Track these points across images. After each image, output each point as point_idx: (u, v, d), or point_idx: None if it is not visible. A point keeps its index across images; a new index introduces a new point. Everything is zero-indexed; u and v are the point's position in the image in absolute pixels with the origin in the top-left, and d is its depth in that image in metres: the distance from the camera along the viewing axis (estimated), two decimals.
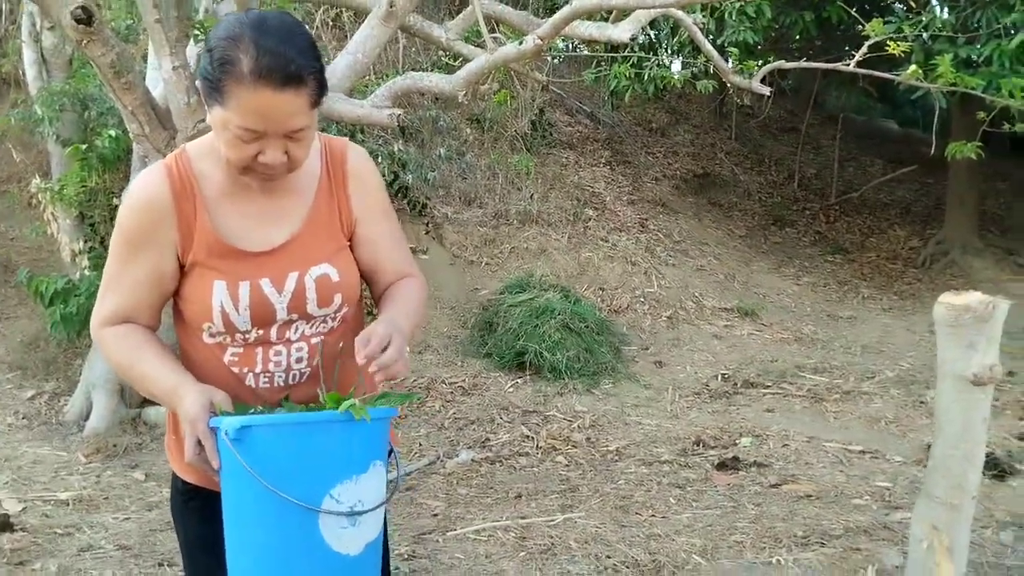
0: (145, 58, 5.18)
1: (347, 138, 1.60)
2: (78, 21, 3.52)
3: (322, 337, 1.50)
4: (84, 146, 4.89)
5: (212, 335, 1.45)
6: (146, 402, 4.79)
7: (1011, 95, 4.45)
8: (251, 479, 1.26)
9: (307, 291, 1.45)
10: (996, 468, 3.99)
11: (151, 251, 1.42)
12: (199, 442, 1.33)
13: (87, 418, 4.66)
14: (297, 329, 1.47)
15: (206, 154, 1.45)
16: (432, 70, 7.03)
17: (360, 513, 1.32)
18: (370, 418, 1.30)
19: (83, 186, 4.98)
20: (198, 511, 1.55)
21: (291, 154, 1.35)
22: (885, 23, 4.31)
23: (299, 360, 1.48)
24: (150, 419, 4.68)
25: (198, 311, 1.43)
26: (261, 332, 1.44)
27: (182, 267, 1.44)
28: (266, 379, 1.47)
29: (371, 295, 1.60)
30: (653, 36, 7.84)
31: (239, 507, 1.32)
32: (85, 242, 5.21)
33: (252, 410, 1.40)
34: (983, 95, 4.63)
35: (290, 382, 1.48)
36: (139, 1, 3.69)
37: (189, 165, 1.44)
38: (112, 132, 4.78)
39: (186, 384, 1.38)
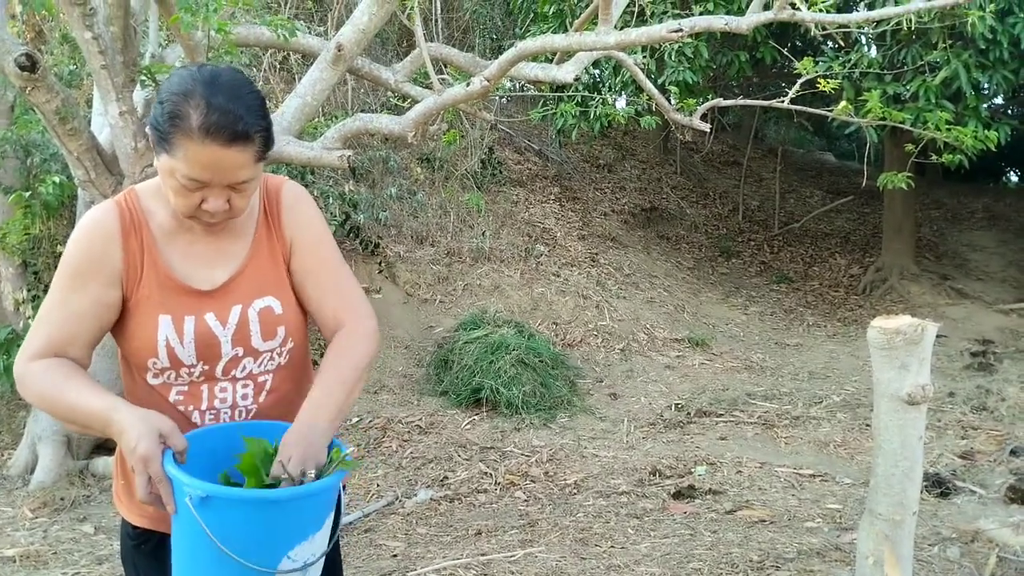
0: (89, 103, 5.14)
1: (290, 179, 1.64)
2: (22, 68, 3.50)
3: (269, 375, 1.52)
4: (27, 193, 4.81)
5: (157, 374, 1.46)
6: (94, 453, 4.67)
7: (937, 128, 4.69)
8: (207, 540, 1.25)
9: (250, 323, 1.48)
10: (941, 486, 4.12)
11: (96, 281, 1.42)
12: (150, 479, 1.29)
13: (32, 471, 4.52)
14: (244, 367, 1.49)
15: (153, 195, 1.50)
16: (381, 111, 7.09)
17: (312, 564, 1.35)
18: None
19: (26, 234, 4.88)
20: (150, 555, 1.54)
21: (233, 203, 1.40)
22: (816, 62, 4.51)
23: (244, 397, 1.50)
24: (98, 470, 4.56)
25: (142, 347, 1.44)
26: (207, 368, 1.46)
27: (124, 302, 1.45)
28: (211, 416, 1.49)
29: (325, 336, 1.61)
30: (597, 75, 8.04)
31: (194, 562, 1.31)
32: (28, 291, 5.09)
33: (196, 433, 1.39)
34: (911, 128, 4.87)
35: (236, 419, 1.50)
36: (84, 47, 3.68)
37: (138, 203, 1.49)
38: (56, 178, 4.71)
39: (120, 408, 1.34)
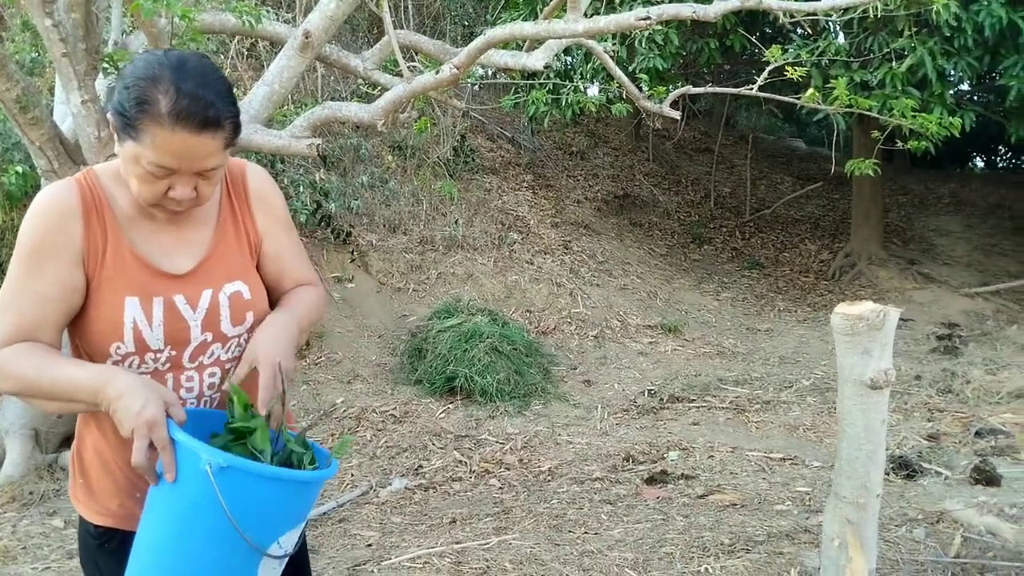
0: (51, 91, 5.03)
1: (248, 161, 1.62)
2: None
3: (235, 362, 1.49)
4: None
5: (118, 361, 1.39)
6: (63, 446, 4.61)
7: (903, 115, 4.75)
8: (209, 513, 1.22)
9: (220, 308, 1.45)
10: (907, 468, 4.19)
11: (58, 262, 1.35)
12: (151, 445, 1.25)
13: (0, 466, 4.46)
14: (212, 353, 1.46)
15: (113, 178, 1.44)
16: (351, 99, 7.03)
17: (287, 556, 1.35)
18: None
19: None
20: (114, 554, 1.47)
21: (200, 190, 1.38)
22: (784, 50, 4.54)
23: (211, 386, 1.48)
24: (67, 464, 4.50)
25: (106, 330, 1.37)
26: (174, 353, 1.42)
27: (87, 283, 1.38)
28: None
29: (270, 304, 1.61)
30: (568, 63, 8.04)
31: (182, 537, 1.26)
32: None
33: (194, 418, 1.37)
34: (877, 116, 4.92)
35: (202, 408, 1.47)
36: (45, 35, 3.60)
37: (98, 182, 1.43)
38: (19, 168, 4.63)
39: (118, 373, 1.31)
